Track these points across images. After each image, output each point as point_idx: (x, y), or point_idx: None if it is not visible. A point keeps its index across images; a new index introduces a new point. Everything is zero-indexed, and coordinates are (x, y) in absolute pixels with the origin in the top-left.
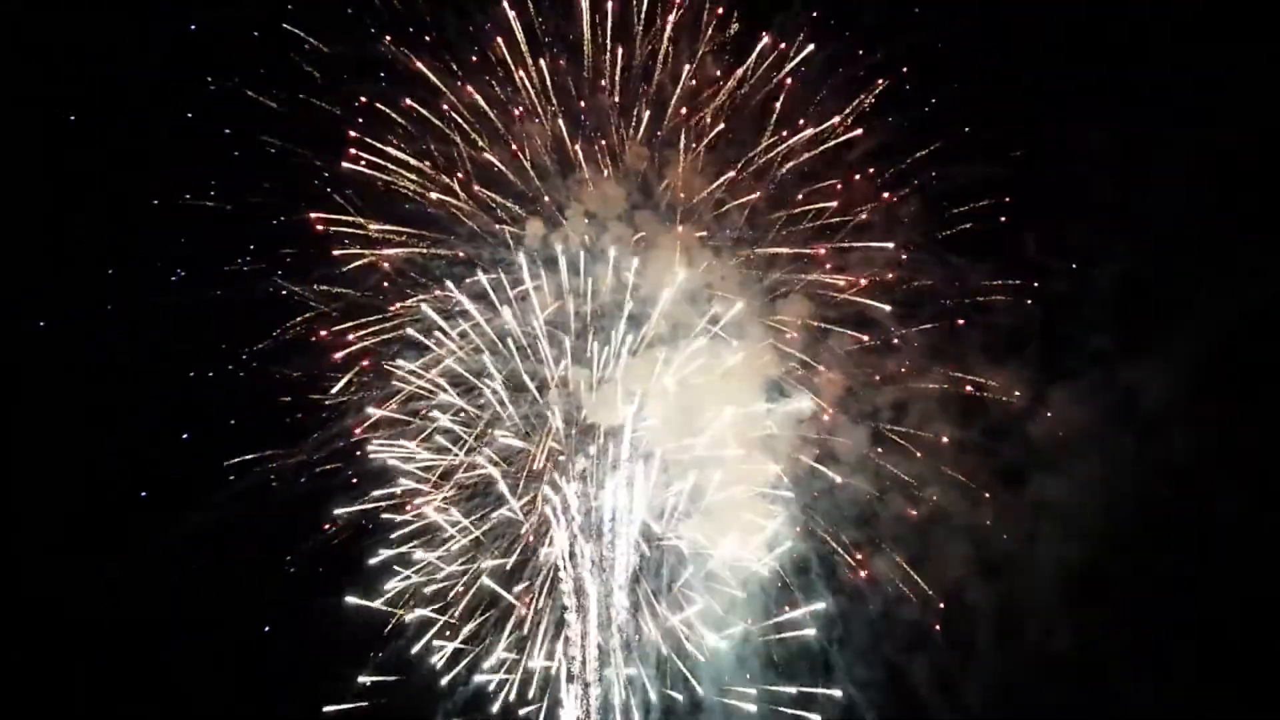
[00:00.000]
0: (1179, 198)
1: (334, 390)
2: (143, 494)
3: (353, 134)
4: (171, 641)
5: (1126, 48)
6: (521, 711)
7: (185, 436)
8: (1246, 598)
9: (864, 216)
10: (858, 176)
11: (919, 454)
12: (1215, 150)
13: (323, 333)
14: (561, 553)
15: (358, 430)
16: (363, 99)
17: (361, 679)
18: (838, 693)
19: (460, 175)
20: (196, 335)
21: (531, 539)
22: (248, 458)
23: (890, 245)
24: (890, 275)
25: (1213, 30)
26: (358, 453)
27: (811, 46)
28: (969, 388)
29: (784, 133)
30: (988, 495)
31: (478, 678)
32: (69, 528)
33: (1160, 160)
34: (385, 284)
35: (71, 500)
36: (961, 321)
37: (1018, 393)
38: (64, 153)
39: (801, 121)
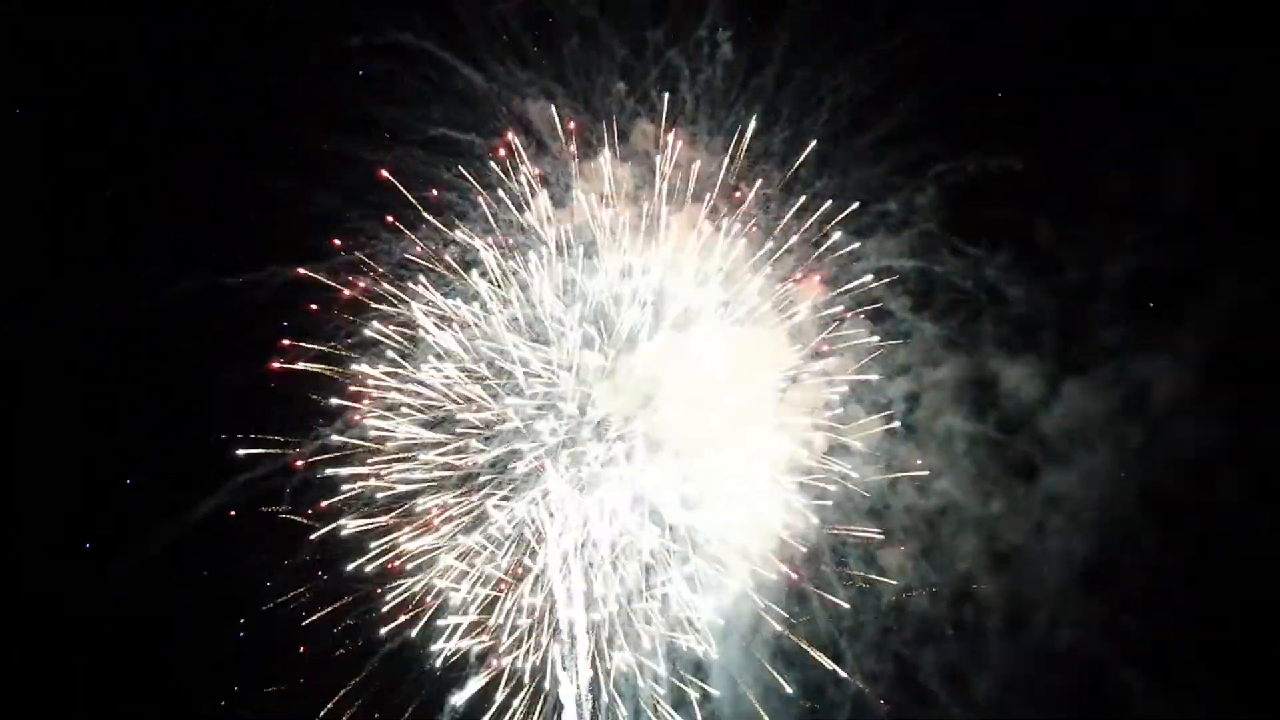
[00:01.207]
0: (1191, 192)
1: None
2: (141, 494)
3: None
4: (171, 641)
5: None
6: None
7: (184, 435)
8: (1258, 595)
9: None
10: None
11: (931, 444)
12: (1227, 144)
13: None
14: (573, 542)
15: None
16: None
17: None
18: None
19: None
20: (198, 331)
21: (540, 529)
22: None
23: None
24: (905, 264)
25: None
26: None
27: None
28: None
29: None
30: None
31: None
32: (69, 528)
33: (1172, 155)
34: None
35: (71, 500)
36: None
37: (1031, 384)
38: (64, 153)
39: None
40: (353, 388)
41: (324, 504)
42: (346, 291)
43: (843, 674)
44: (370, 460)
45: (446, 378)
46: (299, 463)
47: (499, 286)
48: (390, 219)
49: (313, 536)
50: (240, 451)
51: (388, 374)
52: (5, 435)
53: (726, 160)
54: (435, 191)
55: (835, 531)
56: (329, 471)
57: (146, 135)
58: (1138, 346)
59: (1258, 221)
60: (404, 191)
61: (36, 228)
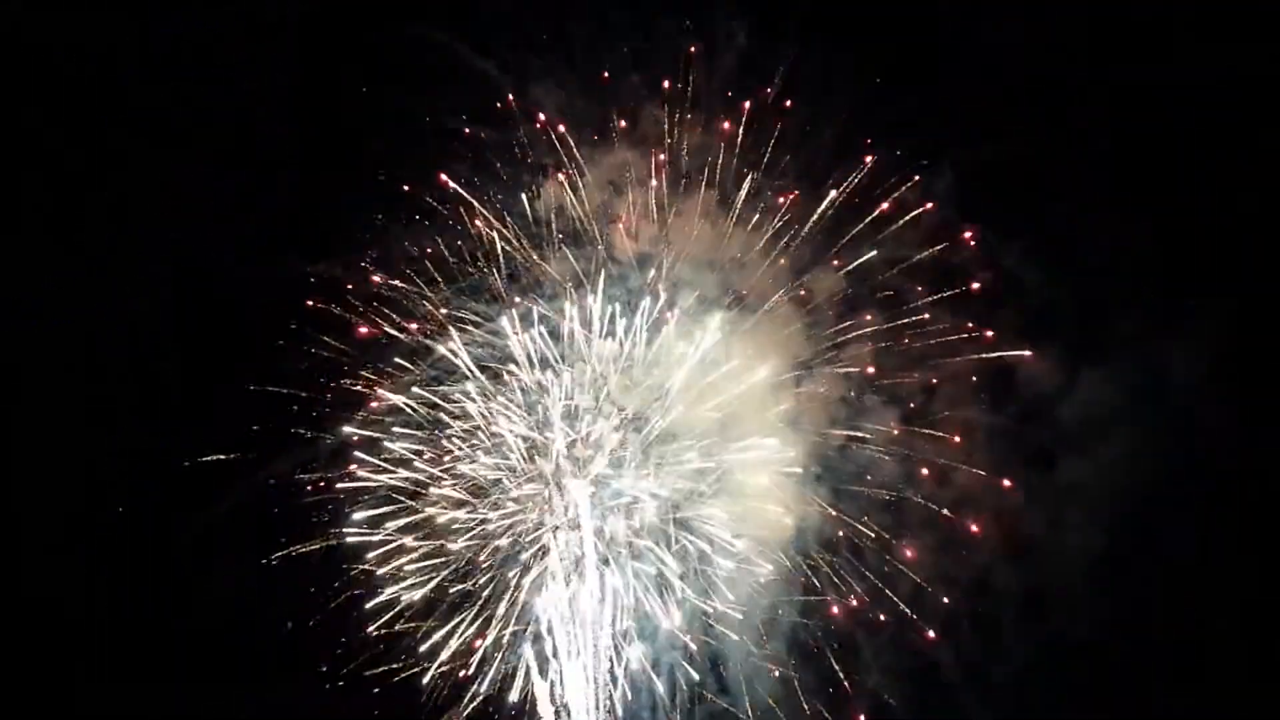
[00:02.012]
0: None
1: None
2: (139, 494)
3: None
4: (171, 641)
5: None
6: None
7: (187, 434)
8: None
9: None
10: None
11: (948, 435)
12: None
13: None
14: (585, 534)
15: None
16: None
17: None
18: None
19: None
20: (199, 331)
21: (554, 522)
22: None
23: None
24: (922, 252)
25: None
26: (354, 453)
27: None
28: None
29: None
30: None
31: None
32: (69, 528)
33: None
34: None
35: (71, 500)
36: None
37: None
38: (64, 153)
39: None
40: (359, 388)
41: (328, 507)
42: (354, 290)
43: (857, 669)
44: (375, 465)
45: (454, 374)
46: (305, 462)
47: (510, 281)
48: (399, 215)
49: (312, 546)
50: (234, 454)
51: (394, 377)
52: (5, 435)
53: (739, 147)
54: (445, 184)
55: (851, 523)
56: (330, 474)
57: (146, 135)
58: (1146, 338)
59: (1258, 221)
60: (413, 186)
61: (36, 228)
